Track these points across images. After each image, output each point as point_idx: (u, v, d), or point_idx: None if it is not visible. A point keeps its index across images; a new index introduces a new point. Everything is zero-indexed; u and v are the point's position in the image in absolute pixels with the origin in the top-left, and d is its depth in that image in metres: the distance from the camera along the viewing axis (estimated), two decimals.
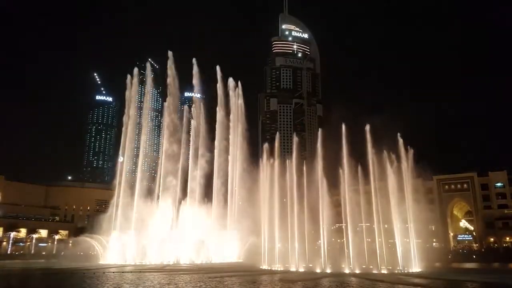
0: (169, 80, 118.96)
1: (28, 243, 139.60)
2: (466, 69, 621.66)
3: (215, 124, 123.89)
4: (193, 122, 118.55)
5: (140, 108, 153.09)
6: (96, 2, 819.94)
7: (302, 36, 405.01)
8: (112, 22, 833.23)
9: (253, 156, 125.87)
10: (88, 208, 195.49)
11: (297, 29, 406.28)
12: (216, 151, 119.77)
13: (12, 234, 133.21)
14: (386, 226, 69.78)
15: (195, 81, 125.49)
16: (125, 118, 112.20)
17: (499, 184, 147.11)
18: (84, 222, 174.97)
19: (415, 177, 76.26)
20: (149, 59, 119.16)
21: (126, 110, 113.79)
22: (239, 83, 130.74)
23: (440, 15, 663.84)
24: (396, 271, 65.30)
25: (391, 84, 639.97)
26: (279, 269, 73.03)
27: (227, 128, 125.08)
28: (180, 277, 56.77)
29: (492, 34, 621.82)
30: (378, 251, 67.83)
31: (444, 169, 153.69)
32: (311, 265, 72.74)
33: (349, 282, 50.33)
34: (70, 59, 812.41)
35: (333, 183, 72.67)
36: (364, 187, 71.66)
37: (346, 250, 69.73)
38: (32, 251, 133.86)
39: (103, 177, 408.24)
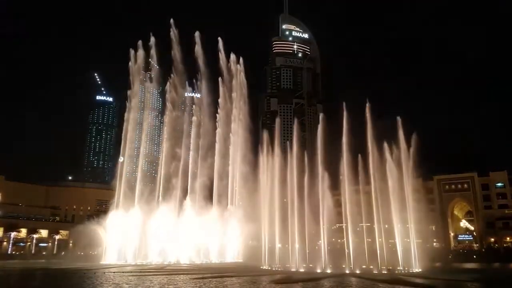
0: (173, 52, 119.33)
1: (29, 243, 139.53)
2: (466, 69, 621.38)
3: (215, 120, 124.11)
4: (194, 118, 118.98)
5: (141, 102, 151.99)
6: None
7: (302, 36, 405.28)
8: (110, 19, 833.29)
9: (254, 156, 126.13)
10: (89, 208, 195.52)
11: (298, 29, 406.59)
12: (217, 137, 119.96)
13: (13, 234, 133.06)
14: (386, 226, 69.75)
15: (198, 48, 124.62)
16: (129, 94, 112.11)
17: (499, 184, 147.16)
18: (84, 222, 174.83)
19: (416, 177, 76.19)
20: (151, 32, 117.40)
21: (130, 83, 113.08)
22: (241, 58, 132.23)
23: (446, 14, 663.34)
24: (397, 271, 65.28)
25: (392, 84, 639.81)
26: (279, 269, 73.02)
27: (230, 98, 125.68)
28: (180, 277, 56.78)
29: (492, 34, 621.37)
30: (378, 251, 67.83)
31: (444, 169, 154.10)
32: (311, 265, 72.74)
33: (349, 282, 50.29)
34: (70, 58, 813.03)
35: (334, 182, 72.70)
36: (364, 187, 71.62)
37: (346, 250, 69.71)
38: (33, 251, 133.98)
39: (104, 177, 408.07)
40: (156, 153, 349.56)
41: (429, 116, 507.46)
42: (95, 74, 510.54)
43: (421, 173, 78.14)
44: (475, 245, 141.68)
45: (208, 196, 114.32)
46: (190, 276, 57.71)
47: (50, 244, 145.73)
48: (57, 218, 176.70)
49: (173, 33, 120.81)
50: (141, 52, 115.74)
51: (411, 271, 66.00)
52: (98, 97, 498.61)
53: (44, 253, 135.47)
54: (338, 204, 74.98)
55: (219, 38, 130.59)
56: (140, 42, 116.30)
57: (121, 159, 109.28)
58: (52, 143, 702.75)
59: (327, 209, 70.56)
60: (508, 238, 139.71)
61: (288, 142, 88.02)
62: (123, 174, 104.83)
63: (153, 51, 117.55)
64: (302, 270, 70.34)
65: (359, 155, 71.65)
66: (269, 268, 76.21)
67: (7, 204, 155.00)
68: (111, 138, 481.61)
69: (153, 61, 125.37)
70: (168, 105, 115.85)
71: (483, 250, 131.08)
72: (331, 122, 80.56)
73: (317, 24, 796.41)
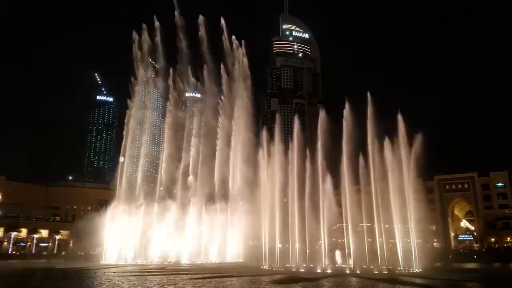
0: (178, 39, 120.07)
1: (29, 243, 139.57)
2: (466, 69, 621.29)
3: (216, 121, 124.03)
4: (195, 118, 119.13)
5: (141, 102, 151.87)
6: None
7: (302, 36, 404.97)
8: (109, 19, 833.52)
9: (254, 156, 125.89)
10: (89, 208, 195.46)
11: (298, 29, 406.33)
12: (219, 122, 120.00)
13: (13, 234, 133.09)
14: (386, 226, 69.69)
15: (202, 32, 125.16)
16: (133, 81, 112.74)
17: (500, 184, 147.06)
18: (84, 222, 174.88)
19: (416, 177, 76.12)
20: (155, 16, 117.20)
21: (135, 68, 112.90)
22: (242, 41, 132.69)
23: (444, 14, 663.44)
24: (397, 271, 65.23)
25: (392, 84, 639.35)
26: (279, 269, 72.97)
27: (232, 81, 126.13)
28: (180, 277, 56.75)
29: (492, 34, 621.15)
30: (379, 251, 67.79)
31: (444, 169, 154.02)
32: (311, 265, 72.68)
33: (349, 282, 50.26)
34: (70, 58, 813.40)
35: (335, 182, 72.63)
36: (364, 187, 71.56)
37: (347, 250, 69.74)
38: (33, 251, 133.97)
39: (104, 177, 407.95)
40: (157, 153, 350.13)
41: (429, 116, 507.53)
42: (95, 74, 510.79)
43: (421, 173, 78.14)
44: (476, 245, 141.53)
45: (208, 196, 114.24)
46: (190, 276, 57.70)
47: (50, 244, 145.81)
48: (58, 218, 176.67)
49: (177, 19, 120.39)
50: (145, 35, 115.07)
51: (411, 271, 65.94)
52: (99, 97, 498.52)
53: (45, 253, 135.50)
54: (338, 204, 74.84)
55: (222, 19, 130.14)
56: (144, 26, 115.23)
57: (121, 159, 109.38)
58: (52, 143, 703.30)
59: (327, 209, 70.51)
60: (508, 238, 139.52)
61: (288, 141, 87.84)
62: (123, 174, 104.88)
63: (157, 38, 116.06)
64: (302, 270, 70.29)
65: (359, 155, 71.63)
66: (269, 268, 76.14)
67: (8, 204, 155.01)
68: (111, 138, 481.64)
69: (159, 47, 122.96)
70: (172, 92, 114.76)
71: (484, 250, 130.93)
72: (332, 122, 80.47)
73: (317, 24, 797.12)
